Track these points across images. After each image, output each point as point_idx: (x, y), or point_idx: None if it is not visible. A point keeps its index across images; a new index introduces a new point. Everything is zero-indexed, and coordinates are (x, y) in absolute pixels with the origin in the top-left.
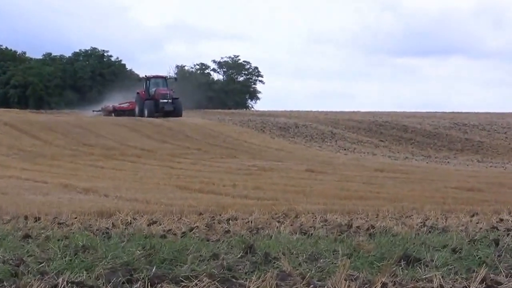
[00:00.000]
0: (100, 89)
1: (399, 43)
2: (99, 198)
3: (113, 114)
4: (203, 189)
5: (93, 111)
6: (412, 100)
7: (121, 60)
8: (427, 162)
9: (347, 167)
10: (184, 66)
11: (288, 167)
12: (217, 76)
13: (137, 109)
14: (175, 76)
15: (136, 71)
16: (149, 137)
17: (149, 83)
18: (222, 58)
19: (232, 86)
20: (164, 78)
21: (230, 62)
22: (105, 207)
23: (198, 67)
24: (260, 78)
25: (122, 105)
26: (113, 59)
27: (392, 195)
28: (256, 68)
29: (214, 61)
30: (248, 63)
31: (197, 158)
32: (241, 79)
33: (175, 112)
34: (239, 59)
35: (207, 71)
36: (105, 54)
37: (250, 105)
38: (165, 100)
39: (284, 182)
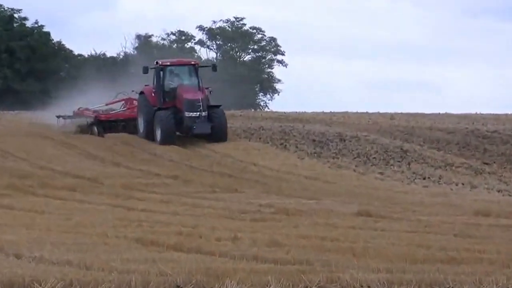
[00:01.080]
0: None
1: None
2: (5, 261)
3: (94, 128)
4: (183, 245)
5: (58, 117)
6: None
7: (43, 27)
8: None
9: (427, 208)
10: (150, 36)
11: (327, 209)
12: (206, 54)
13: (140, 124)
14: (214, 62)
15: (69, 46)
16: (90, 156)
17: (163, 74)
18: (214, 22)
19: (232, 70)
20: (192, 66)
21: (229, 29)
22: (16, 276)
23: (174, 37)
24: (279, 57)
25: (112, 110)
26: (29, 24)
27: (505, 256)
28: (272, 40)
29: (200, 28)
30: (260, 31)
31: (172, 193)
32: (247, 58)
33: (216, 134)
34: (244, 25)
35: (189, 44)
36: (17, 15)
37: (263, 103)
38: (195, 113)
39: (320, 234)
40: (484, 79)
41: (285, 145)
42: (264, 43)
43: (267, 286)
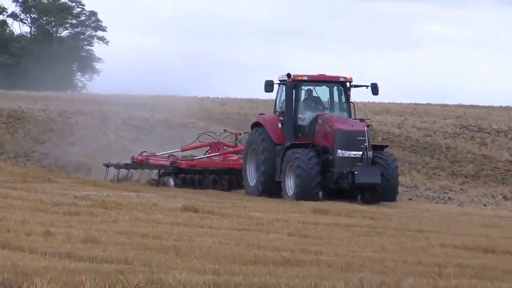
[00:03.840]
0: None
1: None
2: None
3: (170, 180)
4: None
5: (107, 166)
6: None
7: None
8: None
9: (260, 203)
10: None
11: (149, 203)
12: (20, 28)
13: (251, 175)
14: (373, 84)
15: None
16: None
17: (296, 96)
18: None
19: (48, 47)
20: (342, 84)
21: (45, 2)
22: None
23: None
24: (100, 34)
25: (193, 156)
26: None
27: (344, 259)
28: (93, 14)
29: (15, 1)
30: (79, 4)
31: None
32: (65, 34)
33: (384, 188)
34: None
35: (0, 17)
36: None
37: (81, 84)
38: (355, 153)
39: (141, 230)
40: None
41: (105, 132)
42: (84, 18)
43: (81, 286)
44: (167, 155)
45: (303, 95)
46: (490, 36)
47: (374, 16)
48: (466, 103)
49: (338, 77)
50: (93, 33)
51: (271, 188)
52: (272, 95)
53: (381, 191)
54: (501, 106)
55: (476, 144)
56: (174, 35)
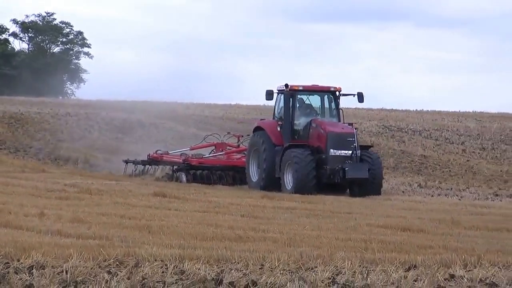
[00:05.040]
0: None
1: None
2: None
3: (183, 176)
4: None
5: (126, 162)
6: None
7: None
8: None
9: (219, 190)
10: None
11: (126, 189)
12: (19, 45)
13: (253, 171)
14: (359, 93)
15: None
16: None
17: (292, 103)
18: (27, 16)
19: (42, 60)
20: (332, 93)
21: (40, 23)
22: None
23: None
24: (86, 50)
25: (201, 155)
26: None
27: (286, 236)
28: (80, 33)
29: (14, 21)
30: (68, 25)
31: None
32: (56, 50)
33: (370, 183)
34: (54, 19)
35: (3, 36)
36: None
37: (70, 91)
38: (345, 152)
39: (119, 212)
40: (275, 73)
41: (90, 131)
42: (72, 37)
43: (69, 258)
44: (179, 153)
45: (301, 105)
46: (406, 52)
47: (314, 35)
48: (388, 107)
49: (329, 87)
50: (80, 49)
51: (271, 183)
52: (226, 99)
53: (368, 185)
54: (415, 110)
55: (396, 141)
56: (150, 50)
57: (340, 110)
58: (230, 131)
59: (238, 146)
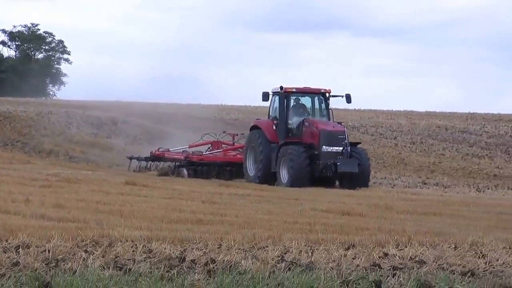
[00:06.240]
0: None
1: None
2: None
3: (184, 171)
4: None
5: (131, 158)
6: None
7: None
8: None
9: (185, 180)
10: None
11: (101, 179)
12: (8, 52)
13: (250, 166)
14: (347, 95)
15: None
16: None
17: (286, 104)
18: (14, 27)
19: (27, 65)
20: (322, 94)
21: (26, 33)
22: None
23: None
24: (65, 56)
25: (200, 152)
26: None
27: (241, 219)
28: (60, 42)
29: (3, 31)
30: (51, 35)
31: None
32: (40, 56)
33: (359, 176)
34: (38, 30)
35: None
36: None
37: (52, 92)
38: (337, 148)
39: (95, 198)
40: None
41: (69, 127)
42: (54, 45)
43: (51, 239)
44: (179, 150)
45: (294, 105)
46: (345, 58)
47: (265, 43)
48: (330, 107)
49: (320, 89)
50: (61, 56)
51: (267, 177)
52: (190, 100)
53: (357, 179)
54: (354, 109)
55: None
56: (124, 56)
57: (330, 110)
58: (193, 126)
59: (233, 144)
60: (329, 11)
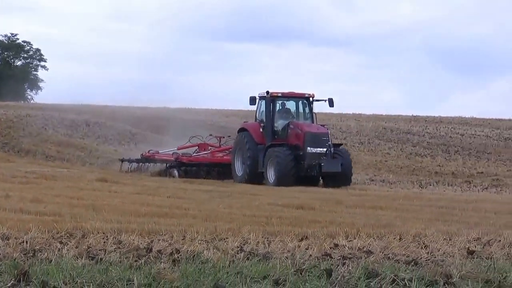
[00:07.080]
0: None
1: None
2: None
3: (175, 171)
4: None
5: (122, 160)
6: None
7: None
8: None
9: (154, 176)
10: None
11: (75, 175)
12: None
13: (239, 167)
14: (330, 99)
15: None
16: None
17: (272, 108)
18: None
19: (7, 72)
20: (306, 98)
21: (6, 42)
22: None
23: None
24: (42, 63)
25: (189, 154)
26: None
27: (204, 212)
28: (37, 50)
29: None
30: (28, 43)
31: None
32: (19, 64)
33: (342, 175)
34: (17, 39)
35: None
36: None
37: (30, 97)
38: (320, 149)
39: (70, 194)
40: (206, 82)
41: (45, 128)
42: (32, 53)
43: (29, 231)
44: (169, 152)
45: (280, 109)
46: (301, 66)
47: (226, 52)
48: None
49: (304, 94)
50: (38, 63)
51: (254, 177)
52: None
53: (340, 178)
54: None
55: None
56: (96, 63)
57: (313, 113)
58: (160, 128)
59: (220, 146)
60: (287, 23)
